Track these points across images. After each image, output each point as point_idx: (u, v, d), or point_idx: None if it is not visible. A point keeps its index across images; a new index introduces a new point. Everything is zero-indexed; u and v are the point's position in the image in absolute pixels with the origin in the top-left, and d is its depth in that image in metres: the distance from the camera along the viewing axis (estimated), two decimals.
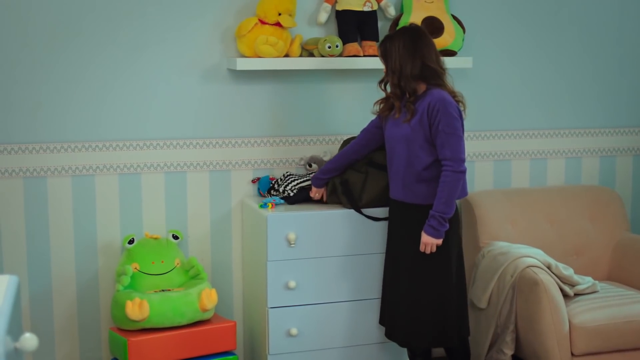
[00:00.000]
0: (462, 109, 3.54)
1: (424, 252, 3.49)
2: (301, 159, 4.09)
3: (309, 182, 3.93)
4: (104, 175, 3.94)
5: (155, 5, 3.92)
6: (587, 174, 4.67)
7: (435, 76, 3.49)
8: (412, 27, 3.57)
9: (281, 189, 3.95)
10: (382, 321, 3.79)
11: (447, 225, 3.45)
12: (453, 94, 3.52)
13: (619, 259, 4.36)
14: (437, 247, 3.48)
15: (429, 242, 3.47)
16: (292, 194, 3.91)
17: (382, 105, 3.65)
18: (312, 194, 3.90)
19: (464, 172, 3.45)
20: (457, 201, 3.56)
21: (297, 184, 3.94)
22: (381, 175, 3.79)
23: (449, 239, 3.52)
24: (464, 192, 3.57)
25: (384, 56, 3.55)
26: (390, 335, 3.71)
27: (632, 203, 4.79)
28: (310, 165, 4.10)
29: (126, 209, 3.99)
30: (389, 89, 3.62)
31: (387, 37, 3.58)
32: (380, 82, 3.64)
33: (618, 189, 4.72)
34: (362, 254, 3.83)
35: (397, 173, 3.58)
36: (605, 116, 4.68)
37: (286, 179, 3.98)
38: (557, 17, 4.53)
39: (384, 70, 3.59)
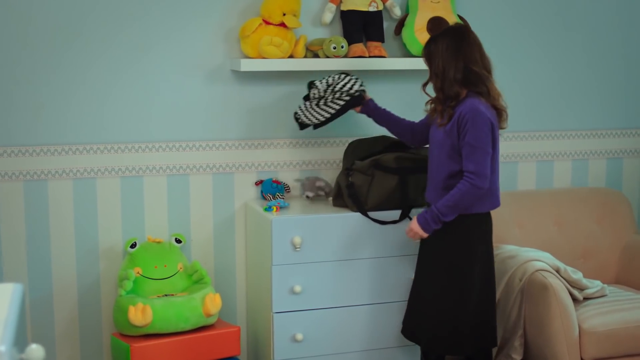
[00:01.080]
0: (504, 117, 3.46)
1: (446, 257, 3.47)
2: (297, 179, 4.03)
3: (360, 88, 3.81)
4: (106, 178, 3.88)
5: (156, 5, 3.86)
6: (593, 175, 4.63)
7: (478, 82, 3.38)
8: (456, 27, 3.48)
9: (339, 85, 3.77)
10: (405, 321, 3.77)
11: (440, 225, 3.40)
12: (495, 101, 3.43)
13: (627, 262, 4.31)
14: (461, 254, 3.46)
15: (414, 229, 3.45)
16: (360, 90, 3.77)
17: (432, 105, 3.54)
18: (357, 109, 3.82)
19: (483, 189, 3.35)
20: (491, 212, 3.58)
21: (359, 85, 3.79)
22: (387, 177, 3.73)
23: (474, 249, 3.48)
24: (494, 204, 3.50)
25: (428, 58, 3.46)
26: (409, 336, 3.69)
27: (639, 205, 4.75)
28: (308, 197, 4.02)
29: (128, 212, 3.93)
30: (429, 91, 3.54)
31: (431, 39, 3.46)
32: (423, 85, 3.55)
33: (625, 191, 4.67)
34: (368, 258, 3.78)
35: (430, 176, 3.56)
36: (613, 118, 4.64)
37: (340, 79, 3.79)
38: (564, 17, 4.48)
39: (429, 72, 3.49)
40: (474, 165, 3.33)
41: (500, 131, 3.48)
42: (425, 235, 3.44)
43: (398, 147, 3.92)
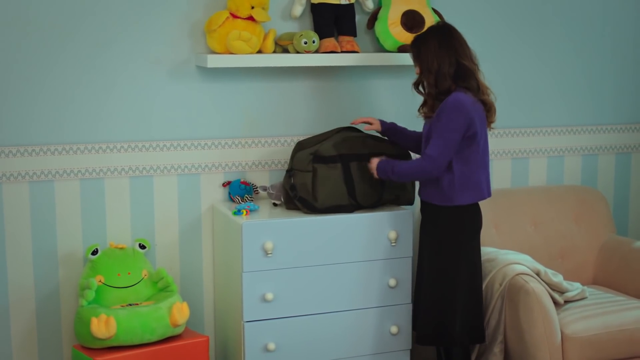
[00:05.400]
0: (492, 111, 3.52)
1: (433, 251, 3.55)
2: (262, 186, 3.87)
3: None
4: (64, 181, 3.70)
5: None
6: (569, 173, 4.55)
7: (467, 76, 3.47)
8: (444, 25, 3.58)
9: None
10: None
11: (386, 178, 3.55)
12: (484, 95, 3.49)
13: (605, 262, 4.24)
14: (446, 248, 3.51)
15: (373, 167, 3.59)
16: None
17: (425, 109, 3.58)
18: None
19: (431, 174, 3.44)
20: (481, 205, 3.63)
21: None
22: (329, 169, 3.63)
23: (460, 241, 3.53)
24: (477, 196, 3.51)
25: (418, 57, 3.52)
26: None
27: (614, 203, 4.67)
28: (275, 205, 3.83)
29: (89, 216, 3.75)
30: (421, 89, 3.60)
31: (419, 37, 3.56)
32: (415, 84, 3.60)
33: (600, 188, 4.60)
34: (343, 263, 3.65)
35: None
36: (588, 114, 4.56)
37: None
38: (541, 11, 4.39)
39: (417, 71, 3.55)
40: (431, 150, 3.42)
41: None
42: (376, 176, 3.57)
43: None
